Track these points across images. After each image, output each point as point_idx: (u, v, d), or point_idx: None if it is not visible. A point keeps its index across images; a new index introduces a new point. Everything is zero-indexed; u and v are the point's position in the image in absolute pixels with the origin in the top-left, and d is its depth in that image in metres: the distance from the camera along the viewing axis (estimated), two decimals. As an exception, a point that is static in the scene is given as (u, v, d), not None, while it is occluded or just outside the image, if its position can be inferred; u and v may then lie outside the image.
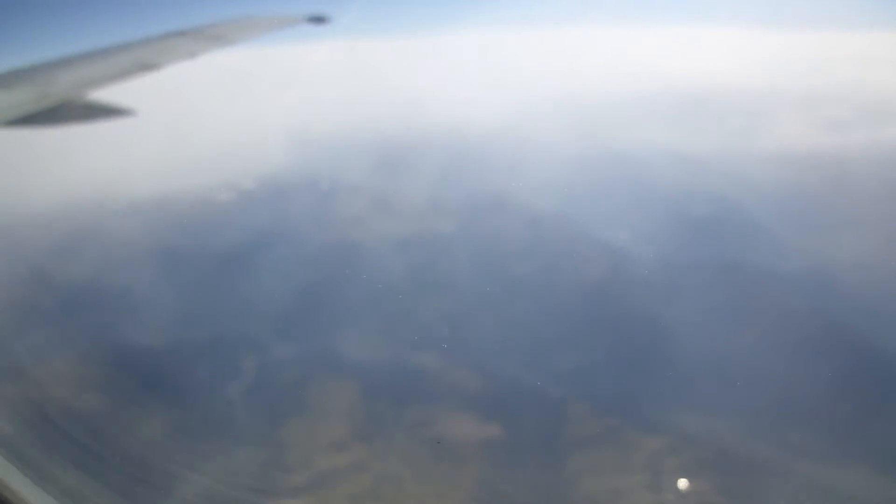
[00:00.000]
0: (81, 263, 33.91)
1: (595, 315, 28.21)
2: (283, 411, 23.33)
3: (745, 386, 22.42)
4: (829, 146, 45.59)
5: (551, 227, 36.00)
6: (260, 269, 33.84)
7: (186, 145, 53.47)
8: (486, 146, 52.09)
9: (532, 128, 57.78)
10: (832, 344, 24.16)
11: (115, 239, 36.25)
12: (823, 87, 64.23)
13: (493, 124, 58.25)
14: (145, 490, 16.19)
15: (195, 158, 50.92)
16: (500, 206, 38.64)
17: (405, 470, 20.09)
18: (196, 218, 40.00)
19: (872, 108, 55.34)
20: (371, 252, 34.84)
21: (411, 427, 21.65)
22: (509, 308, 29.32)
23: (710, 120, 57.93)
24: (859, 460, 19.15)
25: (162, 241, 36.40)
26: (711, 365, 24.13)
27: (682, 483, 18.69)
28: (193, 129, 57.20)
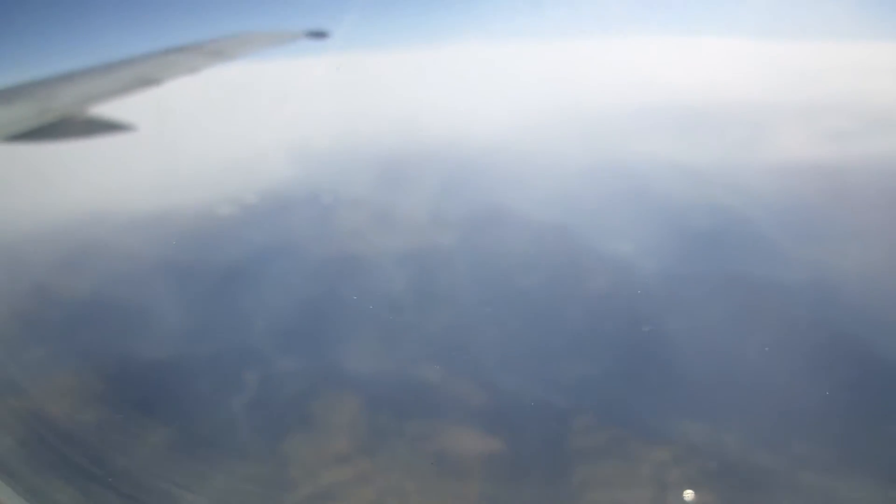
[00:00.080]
0: (83, 278, 33.90)
1: (598, 326, 28.14)
2: (285, 425, 23.24)
3: (750, 396, 22.32)
4: (831, 157, 45.62)
5: (553, 239, 35.97)
6: (261, 282, 33.81)
7: (187, 160, 53.55)
8: (487, 159, 52.16)
9: (533, 140, 57.86)
10: (836, 354, 24.08)
11: (116, 253, 36.26)
12: (824, 97, 64.30)
13: (494, 137, 58.35)
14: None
15: (196, 173, 50.98)
16: (501, 218, 38.65)
17: (409, 483, 20.00)
18: (197, 232, 40.00)
19: (873, 119, 55.37)
20: (372, 265, 34.82)
21: (415, 440, 21.56)
22: (512, 320, 29.24)
23: (712, 131, 58.00)
24: (865, 471, 19.03)
25: (163, 256, 36.39)
26: (716, 375, 24.03)
27: (689, 494, 18.56)
28: (194, 143, 57.30)
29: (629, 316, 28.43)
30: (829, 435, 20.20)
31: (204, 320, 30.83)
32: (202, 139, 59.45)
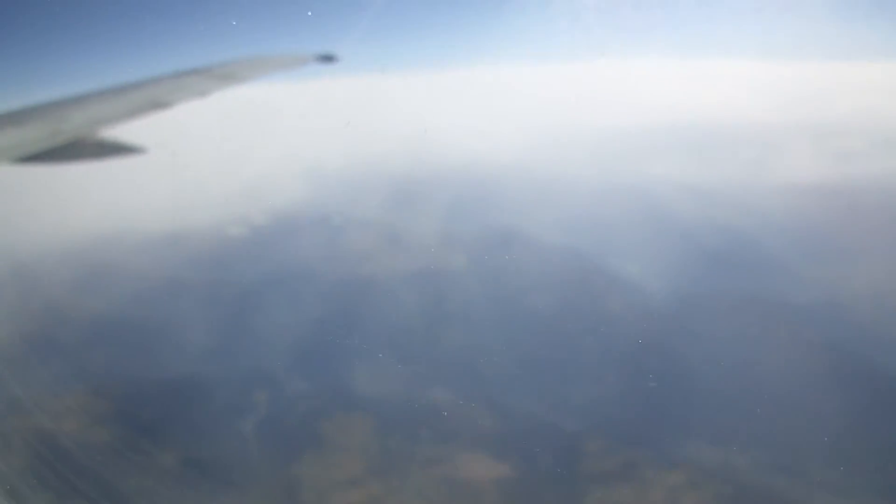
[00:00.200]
0: (94, 298, 34.03)
1: (610, 348, 27.97)
2: (297, 446, 23.13)
3: (763, 419, 22.08)
4: (842, 177, 45.48)
5: (564, 260, 35.90)
6: (272, 303, 33.84)
7: (198, 182, 53.91)
8: (497, 180, 52.25)
9: (544, 161, 57.97)
10: (847, 374, 23.85)
11: (128, 274, 36.40)
12: (833, 117, 64.26)
13: (504, 158, 58.50)
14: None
15: (207, 195, 51.29)
16: (512, 240, 38.61)
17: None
18: (208, 253, 40.17)
19: (882, 139, 55.26)
20: (383, 286, 34.80)
21: (426, 463, 21.40)
22: (523, 342, 29.12)
23: (722, 151, 58.00)
24: (880, 493, 18.79)
25: (174, 276, 36.53)
26: (728, 397, 23.81)
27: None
28: (205, 165, 57.73)
29: (641, 337, 28.27)
30: (844, 457, 19.93)
31: (215, 340, 30.84)
32: (213, 161, 59.88)
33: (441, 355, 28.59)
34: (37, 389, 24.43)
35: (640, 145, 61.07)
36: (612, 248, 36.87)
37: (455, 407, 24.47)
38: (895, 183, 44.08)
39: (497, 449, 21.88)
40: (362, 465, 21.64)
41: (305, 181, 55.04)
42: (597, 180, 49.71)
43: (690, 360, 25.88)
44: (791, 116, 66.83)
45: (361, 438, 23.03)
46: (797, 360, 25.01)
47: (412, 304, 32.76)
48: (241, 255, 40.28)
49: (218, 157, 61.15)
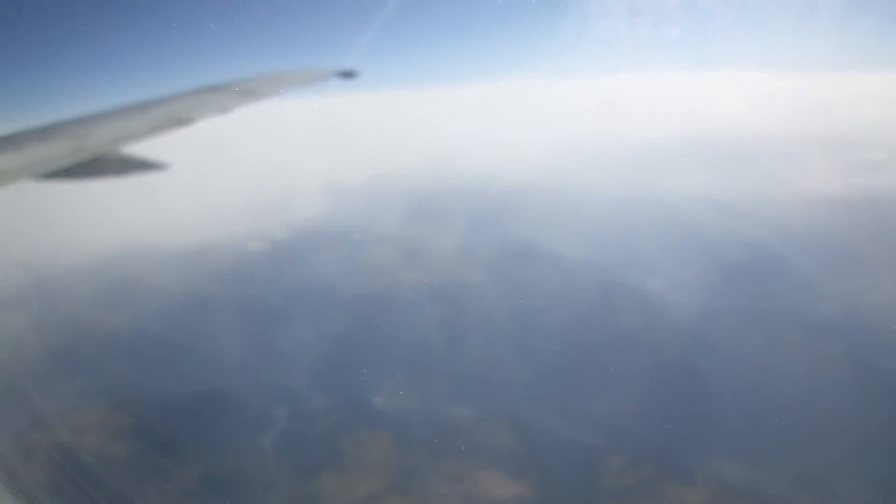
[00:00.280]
0: (117, 312, 34.31)
1: (630, 362, 27.73)
2: (316, 461, 23.10)
3: (786, 433, 21.76)
4: (863, 188, 44.97)
5: (585, 274, 35.72)
6: (292, 317, 33.94)
7: (219, 197, 54.34)
8: (516, 194, 52.21)
9: (562, 174, 57.84)
10: (871, 389, 23.47)
11: (150, 288, 36.69)
12: (856, 128, 63.59)
13: (522, 172, 58.44)
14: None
15: (228, 210, 51.67)
16: (531, 253, 38.50)
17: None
18: (229, 267, 40.40)
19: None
20: (403, 302, 34.79)
21: (446, 479, 21.28)
22: (543, 356, 28.96)
23: (744, 163, 57.56)
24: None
25: (196, 290, 36.77)
26: (750, 411, 23.50)
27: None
28: (226, 181, 58.17)
29: (661, 351, 28.02)
30: (867, 472, 19.58)
31: (236, 354, 30.96)
32: (234, 177, 60.34)
33: (461, 370, 28.50)
34: (60, 402, 24.62)
35: (659, 157, 60.77)
36: (633, 261, 36.65)
37: (474, 422, 24.35)
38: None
39: (517, 465, 21.73)
40: (382, 482, 21.56)
41: (326, 196, 55.29)
42: (616, 193, 49.50)
43: (711, 374, 25.60)
44: (812, 127, 66.23)
45: (381, 454, 22.96)
46: (819, 373, 24.66)
47: (432, 319, 32.71)
48: (261, 270, 40.48)
49: (239, 172, 61.60)
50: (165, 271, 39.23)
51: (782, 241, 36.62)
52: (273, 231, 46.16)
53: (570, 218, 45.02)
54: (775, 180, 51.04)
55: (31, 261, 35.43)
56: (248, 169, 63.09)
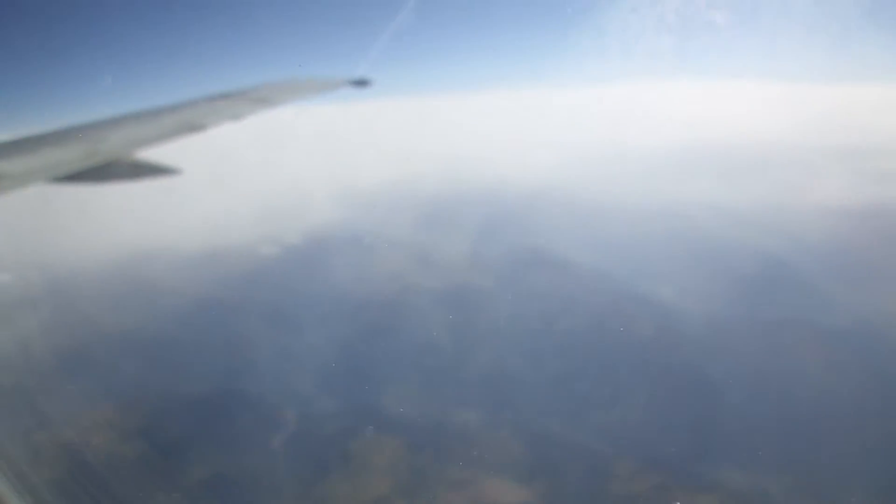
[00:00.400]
0: (129, 315, 34.58)
1: (641, 371, 27.71)
2: (325, 464, 23.17)
3: (797, 442, 21.67)
4: (872, 197, 44.78)
5: (595, 281, 35.70)
6: (304, 321, 34.09)
7: (232, 203, 54.66)
8: (528, 201, 52.28)
9: (574, 182, 57.85)
10: (886, 400, 23.33)
11: (162, 291, 36.95)
12: (864, 139, 63.35)
13: (535, 180, 58.52)
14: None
15: (240, 215, 51.98)
16: (543, 261, 38.52)
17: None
18: (241, 272, 40.63)
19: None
20: (414, 307, 34.88)
21: (453, 484, 21.30)
22: (553, 363, 28.95)
23: (754, 173, 57.43)
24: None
25: (208, 294, 36.98)
26: (761, 420, 23.42)
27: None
28: (238, 187, 58.51)
29: (672, 359, 27.96)
30: (877, 482, 19.45)
31: (247, 357, 31.12)
32: (246, 183, 60.70)
33: (470, 375, 28.54)
34: (72, 403, 24.82)
35: (668, 166, 60.75)
36: (642, 269, 36.61)
37: (483, 427, 24.38)
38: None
39: (526, 470, 21.73)
40: (390, 485, 21.61)
41: (338, 202, 55.58)
42: (625, 201, 49.47)
43: (720, 382, 25.53)
44: (820, 137, 66.10)
45: (390, 457, 23.02)
46: (828, 382, 24.55)
47: (442, 324, 32.79)
48: (273, 274, 40.70)
49: (252, 178, 61.98)
50: (178, 274, 39.54)
51: (791, 250, 36.52)
52: (285, 236, 46.41)
53: (580, 225, 45.01)
54: (784, 189, 50.91)
55: (45, 262, 35.78)
56: (260, 175, 63.51)
